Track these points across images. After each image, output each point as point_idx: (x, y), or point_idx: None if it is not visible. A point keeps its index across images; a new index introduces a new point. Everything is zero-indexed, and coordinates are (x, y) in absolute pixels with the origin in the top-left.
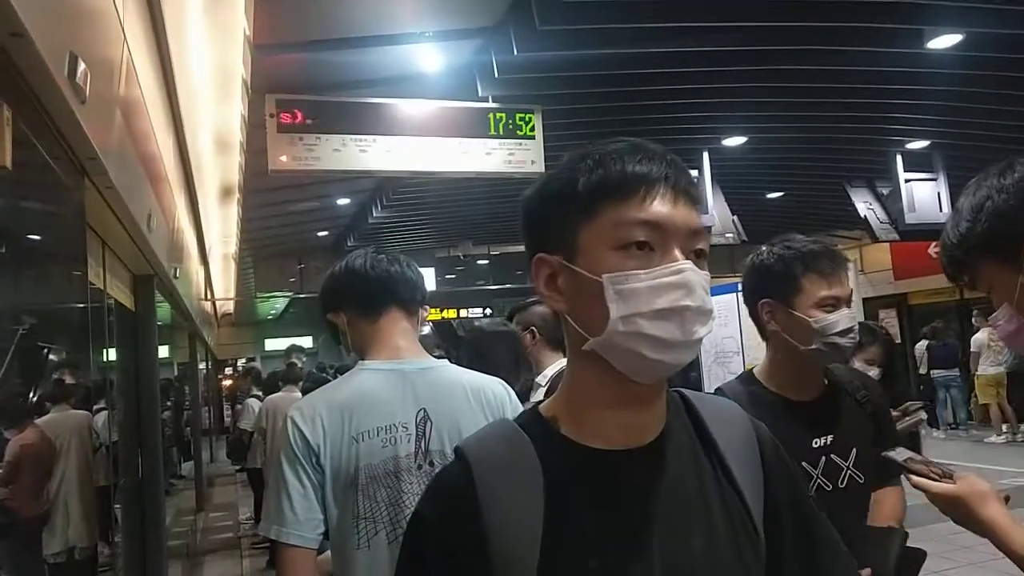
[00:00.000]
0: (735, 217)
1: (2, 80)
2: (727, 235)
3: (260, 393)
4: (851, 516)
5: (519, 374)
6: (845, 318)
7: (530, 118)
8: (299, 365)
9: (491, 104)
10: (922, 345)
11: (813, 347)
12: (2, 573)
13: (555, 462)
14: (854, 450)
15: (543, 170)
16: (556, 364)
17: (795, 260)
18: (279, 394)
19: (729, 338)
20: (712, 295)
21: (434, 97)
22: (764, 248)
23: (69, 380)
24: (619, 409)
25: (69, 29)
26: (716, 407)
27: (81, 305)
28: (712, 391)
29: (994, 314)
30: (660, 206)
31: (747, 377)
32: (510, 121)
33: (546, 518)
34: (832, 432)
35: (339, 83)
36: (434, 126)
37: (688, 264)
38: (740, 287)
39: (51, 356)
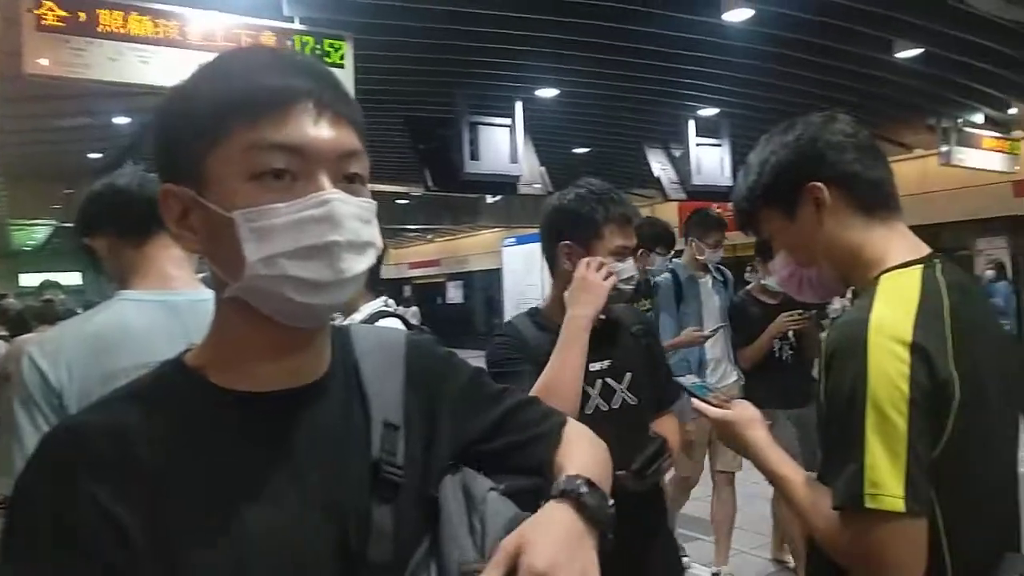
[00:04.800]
0: (543, 168)
1: None
2: (535, 185)
3: (6, 333)
4: (625, 432)
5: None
6: (630, 267)
7: (340, 45)
8: (56, 302)
9: (297, 25)
10: None
11: None
12: None
13: (199, 409)
14: (628, 374)
15: None
16: (370, 306)
17: (598, 208)
18: (31, 335)
19: (532, 285)
20: (519, 244)
21: (234, 12)
22: (568, 191)
23: None
24: (274, 353)
25: None
26: (375, 339)
27: None
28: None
29: (773, 261)
30: (303, 127)
31: (534, 311)
32: (318, 46)
33: (175, 465)
34: (609, 358)
35: None
36: (230, 42)
37: (336, 193)
38: (541, 228)
39: None
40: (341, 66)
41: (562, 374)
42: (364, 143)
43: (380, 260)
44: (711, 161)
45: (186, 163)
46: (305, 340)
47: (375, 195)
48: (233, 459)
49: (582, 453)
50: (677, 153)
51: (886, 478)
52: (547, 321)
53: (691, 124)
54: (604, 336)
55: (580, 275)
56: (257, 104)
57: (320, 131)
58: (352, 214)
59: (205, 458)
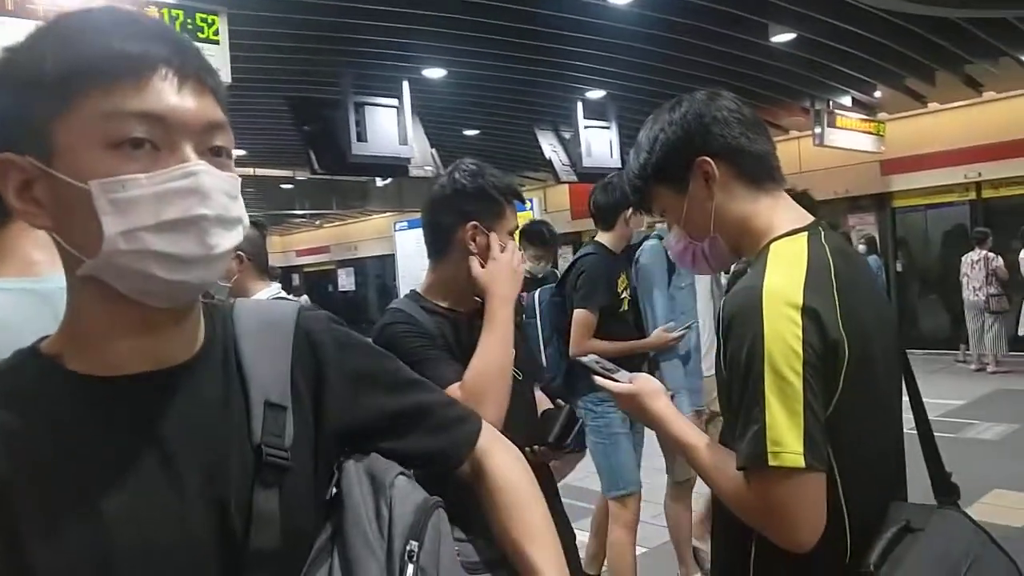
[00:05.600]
0: (434, 150)
1: None
2: (426, 168)
3: None
4: (518, 407)
5: None
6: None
7: (213, 20)
8: None
9: None
10: None
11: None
12: None
13: (55, 399)
14: (513, 351)
15: (228, 80)
16: (264, 292)
17: (501, 189)
18: None
19: (426, 270)
20: (412, 228)
21: None
22: (459, 171)
23: None
24: (135, 334)
25: None
26: (263, 316)
27: None
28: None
29: (667, 237)
30: (163, 95)
31: (415, 295)
32: (189, 21)
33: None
34: None
35: None
36: None
37: (202, 165)
38: (431, 210)
39: None
40: (216, 42)
41: (498, 361)
42: (227, 116)
43: (264, 243)
44: (600, 143)
45: (29, 130)
46: (169, 320)
47: (258, 179)
48: (94, 449)
49: (536, 523)
50: (567, 135)
51: (786, 436)
52: (433, 305)
53: (579, 106)
54: (483, 315)
55: (500, 258)
56: (114, 69)
57: (184, 100)
58: (220, 188)
59: (64, 451)
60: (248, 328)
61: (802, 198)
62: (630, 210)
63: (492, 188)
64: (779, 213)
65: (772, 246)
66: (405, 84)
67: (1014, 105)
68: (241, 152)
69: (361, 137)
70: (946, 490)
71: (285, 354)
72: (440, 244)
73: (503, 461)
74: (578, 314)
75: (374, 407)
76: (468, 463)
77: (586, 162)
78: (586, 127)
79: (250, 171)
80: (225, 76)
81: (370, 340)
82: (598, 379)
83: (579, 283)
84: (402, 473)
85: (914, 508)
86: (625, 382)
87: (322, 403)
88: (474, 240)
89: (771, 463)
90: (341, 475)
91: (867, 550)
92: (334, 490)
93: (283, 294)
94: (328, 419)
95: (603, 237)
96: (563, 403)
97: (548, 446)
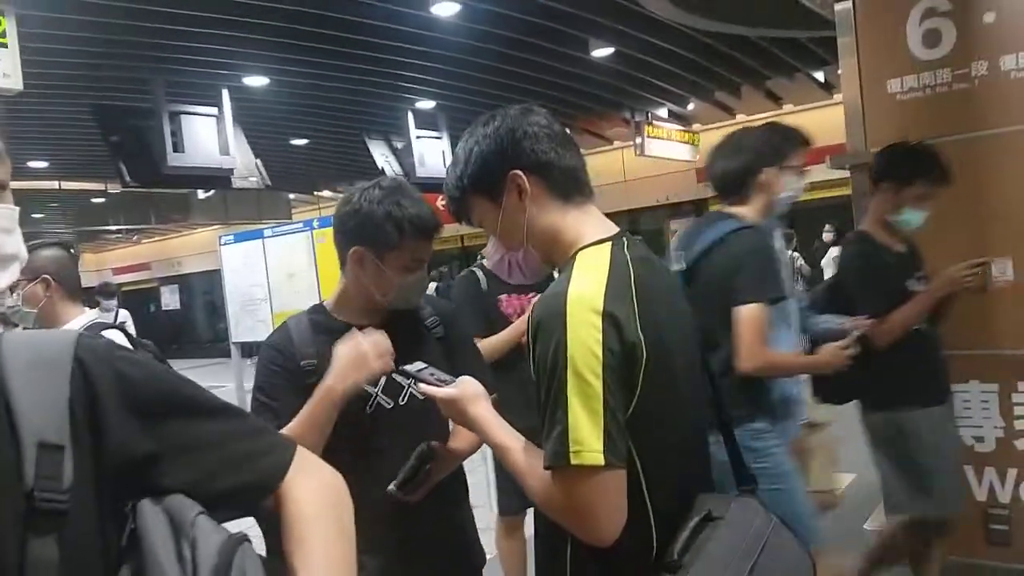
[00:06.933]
0: (258, 161)
1: None
2: (250, 179)
3: None
4: (414, 432)
5: None
6: (421, 278)
7: None
8: None
9: None
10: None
11: (387, 299)
12: None
13: None
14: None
15: (20, 86)
16: (82, 318)
17: (404, 222)
18: None
19: (257, 286)
20: (239, 241)
21: None
22: (367, 190)
23: None
24: None
25: None
26: (35, 350)
27: None
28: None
29: (486, 247)
30: None
31: (316, 308)
32: None
33: None
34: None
35: None
36: None
37: None
38: (333, 221)
39: None
40: (3, 45)
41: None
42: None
43: (74, 264)
44: (433, 153)
45: None
46: None
47: (64, 193)
48: None
49: (320, 549)
50: (399, 145)
51: (586, 436)
52: (330, 320)
53: (410, 116)
54: (391, 329)
55: (356, 346)
56: None
57: None
58: None
59: None
60: (18, 364)
61: (925, 151)
62: (766, 170)
63: (387, 218)
64: (586, 224)
65: (578, 255)
66: (225, 92)
67: (810, 116)
68: (43, 164)
69: (177, 147)
70: (745, 479)
71: (62, 389)
72: (340, 258)
73: (303, 493)
74: (748, 311)
75: (164, 437)
76: (272, 497)
77: (419, 171)
78: (418, 137)
79: (55, 184)
80: (16, 82)
81: (165, 366)
82: (422, 386)
83: (741, 267)
84: (202, 512)
85: (715, 498)
86: (447, 387)
87: (102, 439)
88: (360, 265)
89: (573, 462)
90: (137, 516)
91: (673, 542)
92: (130, 533)
93: (101, 319)
94: (110, 456)
95: (741, 212)
96: (427, 443)
97: (394, 487)
